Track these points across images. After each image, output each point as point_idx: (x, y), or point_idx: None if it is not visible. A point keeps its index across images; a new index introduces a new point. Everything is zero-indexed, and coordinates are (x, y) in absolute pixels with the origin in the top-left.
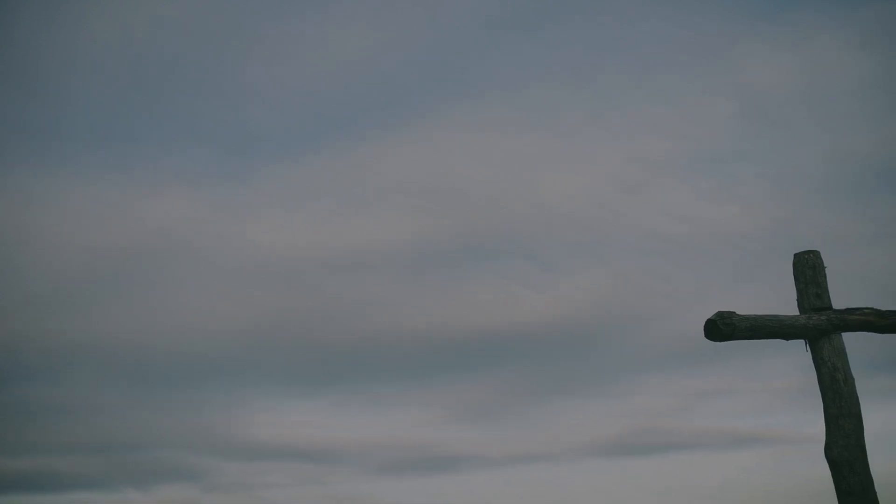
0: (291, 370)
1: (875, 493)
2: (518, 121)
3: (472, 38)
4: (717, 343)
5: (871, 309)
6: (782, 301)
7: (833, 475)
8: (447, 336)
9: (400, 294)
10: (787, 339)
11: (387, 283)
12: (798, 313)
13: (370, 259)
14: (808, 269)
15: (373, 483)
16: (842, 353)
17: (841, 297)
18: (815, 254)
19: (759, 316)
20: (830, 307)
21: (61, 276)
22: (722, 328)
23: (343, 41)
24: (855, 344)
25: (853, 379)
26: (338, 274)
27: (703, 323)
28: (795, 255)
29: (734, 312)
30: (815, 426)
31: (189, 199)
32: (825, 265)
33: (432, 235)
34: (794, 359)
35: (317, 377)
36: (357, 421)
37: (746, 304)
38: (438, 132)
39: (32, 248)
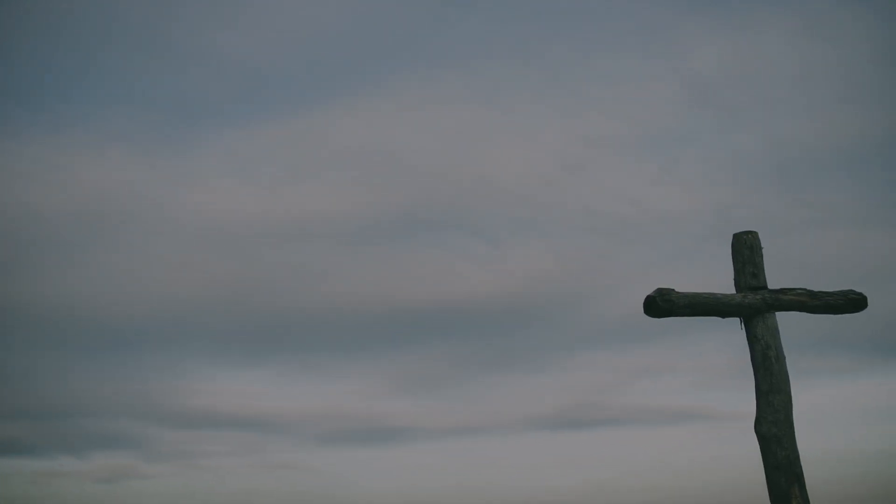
0: (233, 339)
1: (801, 468)
2: (464, 95)
3: (421, 11)
4: (656, 319)
5: (804, 289)
6: (720, 281)
7: (762, 449)
8: (390, 308)
9: (343, 265)
10: (723, 316)
11: (331, 253)
12: (734, 292)
13: (314, 229)
14: (746, 249)
15: (314, 453)
16: (774, 331)
17: (776, 277)
18: (752, 234)
19: (697, 293)
20: (765, 287)
21: None
22: (661, 304)
23: (291, 10)
24: (788, 324)
25: (784, 357)
26: (281, 243)
27: (643, 300)
28: (734, 235)
29: (673, 290)
30: (746, 403)
31: (130, 164)
32: (762, 246)
33: (377, 207)
34: (730, 338)
35: (259, 346)
36: (299, 391)
37: (685, 283)
38: (384, 104)
39: None
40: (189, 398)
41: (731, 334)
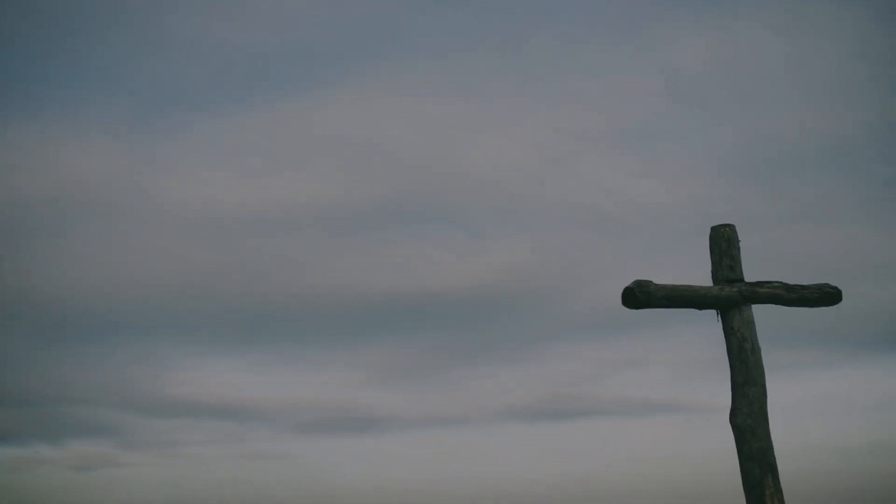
0: (212, 327)
1: (774, 458)
2: (446, 86)
3: (404, 2)
4: (634, 311)
5: (780, 283)
6: (698, 274)
7: (736, 440)
8: (370, 298)
9: (324, 254)
10: (700, 308)
11: (311, 243)
12: (712, 284)
13: (295, 218)
14: (724, 242)
15: (293, 442)
16: (750, 324)
17: (753, 270)
18: (730, 227)
19: (675, 286)
20: (742, 279)
21: None
22: (639, 296)
23: None
24: (764, 318)
25: (760, 349)
26: (262, 232)
27: (622, 291)
28: (712, 228)
29: (651, 281)
30: (723, 395)
31: (111, 151)
32: (739, 239)
33: (358, 197)
34: (707, 331)
35: (238, 335)
36: (278, 380)
37: (664, 276)
38: (367, 94)
39: None
40: (168, 387)
41: (708, 327)
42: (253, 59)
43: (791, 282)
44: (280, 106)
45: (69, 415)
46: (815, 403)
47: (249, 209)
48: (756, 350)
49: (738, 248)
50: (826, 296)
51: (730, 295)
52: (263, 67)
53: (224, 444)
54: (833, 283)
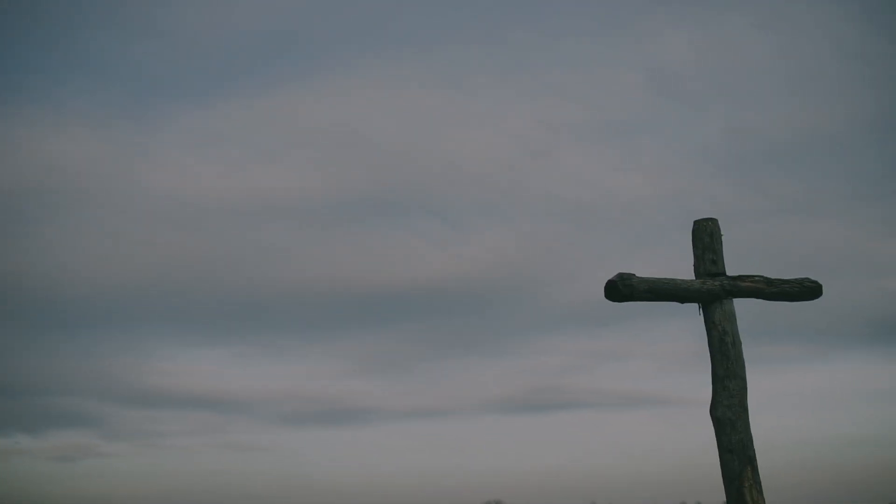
0: (195, 318)
1: (754, 451)
2: (429, 78)
3: None
4: (617, 304)
5: (762, 277)
6: (680, 267)
7: (716, 433)
8: (352, 289)
9: (307, 245)
10: (681, 301)
11: (294, 233)
12: (694, 278)
13: (278, 209)
14: (706, 236)
15: (274, 433)
16: (732, 317)
17: (735, 264)
18: (713, 221)
19: (657, 279)
20: (724, 273)
21: None
22: (621, 289)
23: None
24: (746, 313)
25: (741, 343)
26: (244, 223)
27: (604, 284)
28: (695, 221)
29: (633, 274)
30: (704, 388)
31: (90, 139)
32: (722, 233)
33: (341, 188)
34: (689, 324)
35: (221, 326)
36: (260, 371)
37: (646, 269)
38: (351, 86)
39: None
40: (149, 377)
41: (690, 321)
42: (237, 50)
43: (772, 276)
44: (264, 96)
45: (50, 405)
46: (795, 397)
47: (232, 200)
48: (737, 343)
49: (721, 242)
50: (807, 290)
51: (711, 289)
52: (248, 58)
53: (206, 434)
54: (814, 278)
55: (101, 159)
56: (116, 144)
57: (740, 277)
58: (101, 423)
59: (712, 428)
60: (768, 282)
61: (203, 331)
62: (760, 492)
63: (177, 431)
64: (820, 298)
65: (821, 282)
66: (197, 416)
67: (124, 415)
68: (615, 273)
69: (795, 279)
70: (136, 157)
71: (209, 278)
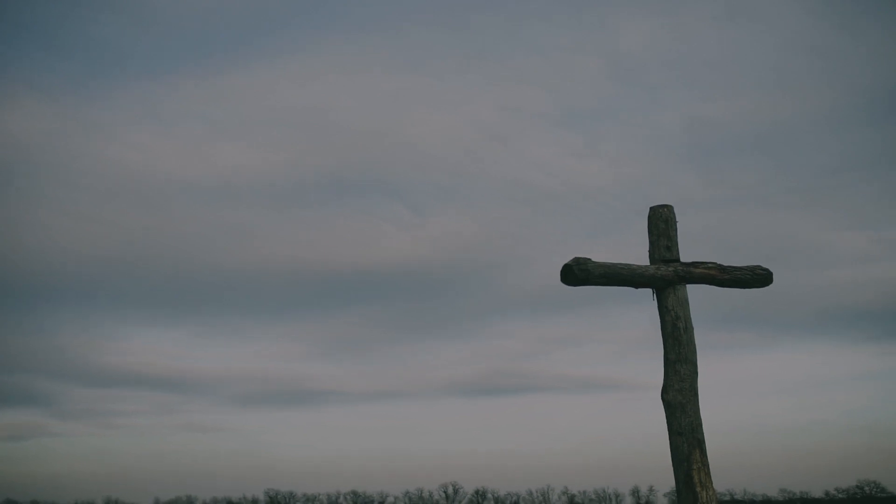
0: (150, 297)
1: (703, 434)
2: (393, 61)
3: None
4: (573, 288)
5: (714, 264)
6: (635, 253)
7: (667, 416)
8: (313, 271)
9: (266, 225)
10: (636, 286)
11: (253, 213)
12: (649, 264)
13: (236, 188)
14: (661, 223)
15: (231, 414)
16: (685, 303)
17: (689, 251)
18: (668, 208)
19: (613, 264)
20: (678, 260)
21: None
22: (577, 273)
23: None
24: (700, 300)
25: (693, 328)
26: (203, 201)
27: (561, 268)
28: (651, 208)
29: (589, 259)
30: (656, 374)
31: (44, 113)
32: (677, 220)
33: (302, 168)
34: (644, 310)
35: (176, 305)
36: (217, 352)
37: (603, 254)
38: (314, 66)
39: None
40: (103, 356)
41: (645, 307)
42: (199, 27)
43: (725, 263)
44: (227, 74)
45: None
46: (745, 383)
47: (190, 177)
48: (689, 329)
49: (676, 229)
50: (758, 278)
51: (665, 274)
52: (210, 34)
53: (160, 415)
54: (765, 266)
55: (57, 133)
56: (68, 117)
57: (694, 264)
58: (52, 402)
59: (663, 410)
60: (721, 269)
61: (158, 309)
62: (708, 473)
63: (133, 411)
64: (772, 287)
65: (773, 270)
66: (154, 397)
67: (78, 394)
68: (572, 257)
69: (747, 267)
70: (89, 130)
71: (168, 257)
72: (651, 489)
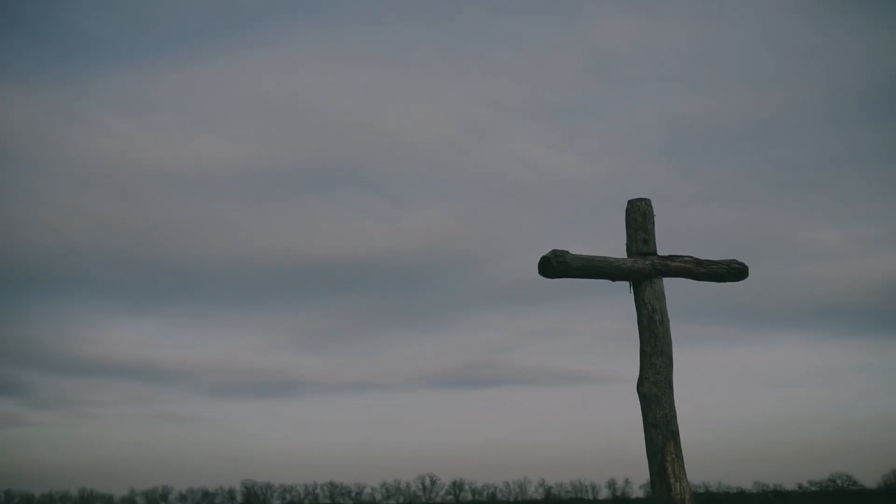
0: (125, 286)
1: (677, 427)
2: (373, 52)
3: None
4: (551, 280)
5: (691, 257)
6: (613, 246)
7: (642, 408)
8: (290, 261)
9: (243, 215)
10: (613, 279)
11: (229, 203)
12: (626, 257)
13: (213, 178)
14: (639, 216)
15: (206, 405)
16: (661, 296)
17: (666, 245)
18: (646, 202)
19: (590, 256)
20: (655, 253)
21: None
22: (555, 265)
23: None
24: (677, 294)
25: (669, 321)
26: (179, 190)
27: (538, 260)
28: (629, 201)
29: (567, 251)
30: (632, 367)
31: (19, 101)
32: (654, 214)
33: (280, 159)
34: (620, 305)
35: (152, 295)
36: (192, 342)
37: (580, 247)
38: (292, 56)
39: None
40: (77, 345)
41: (622, 300)
42: (177, 15)
43: (702, 257)
44: (204, 63)
45: None
46: (720, 376)
47: (166, 167)
48: (665, 322)
49: (653, 223)
50: (733, 272)
51: (642, 267)
52: (188, 24)
53: (134, 405)
54: (741, 260)
55: (31, 121)
56: (48, 107)
57: (670, 257)
58: (26, 392)
59: (639, 403)
60: (697, 262)
61: (133, 299)
62: (682, 465)
63: (108, 401)
64: (748, 282)
65: (749, 265)
66: (129, 387)
67: (52, 383)
68: (549, 249)
69: (723, 261)
70: (67, 120)
71: (142, 246)
72: (627, 481)
